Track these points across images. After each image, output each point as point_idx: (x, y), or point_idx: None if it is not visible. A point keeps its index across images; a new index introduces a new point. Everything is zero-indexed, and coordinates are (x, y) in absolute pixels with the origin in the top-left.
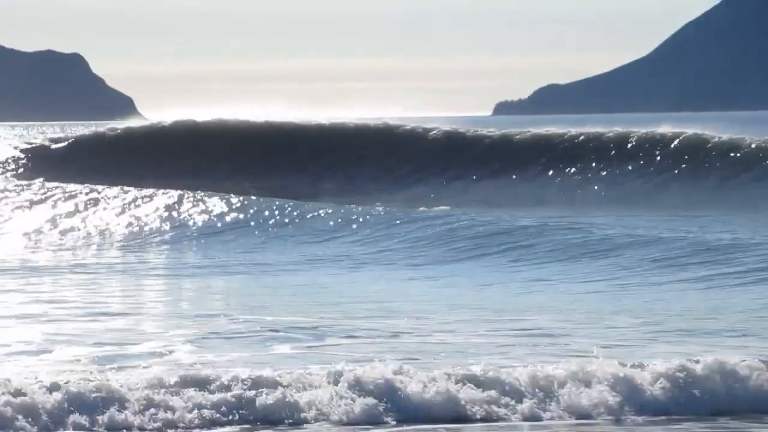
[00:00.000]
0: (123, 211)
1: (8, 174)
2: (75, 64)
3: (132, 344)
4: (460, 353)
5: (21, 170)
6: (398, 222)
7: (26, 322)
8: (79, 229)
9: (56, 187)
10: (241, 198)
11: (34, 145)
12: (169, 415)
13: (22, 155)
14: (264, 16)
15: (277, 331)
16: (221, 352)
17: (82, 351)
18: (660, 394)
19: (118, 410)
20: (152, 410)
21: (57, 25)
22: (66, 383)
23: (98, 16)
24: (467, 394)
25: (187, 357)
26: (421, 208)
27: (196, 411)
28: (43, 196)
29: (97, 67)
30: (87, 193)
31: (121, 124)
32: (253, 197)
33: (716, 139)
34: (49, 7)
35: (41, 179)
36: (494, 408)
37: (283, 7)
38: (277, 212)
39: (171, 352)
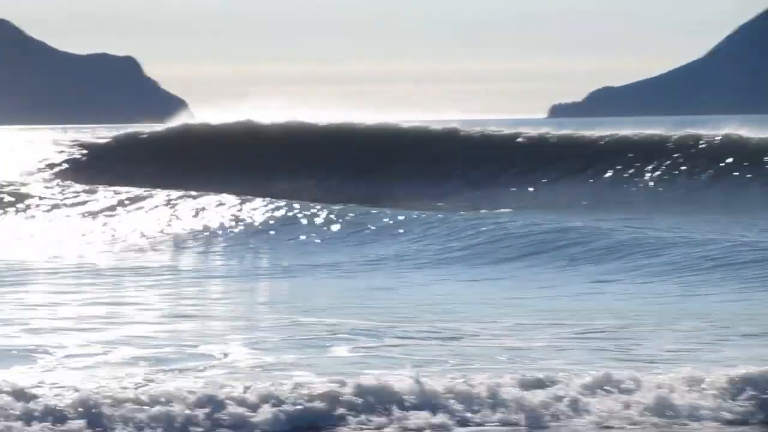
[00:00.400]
0: (179, 214)
1: (58, 176)
2: (128, 66)
3: (190, 346)
4: (520, 357)
5: (72, 172)
6: (456, 224)
7: (85, 323)
8: (134, 232)
9: (108, 189)
10: (299, 202)
11: (83, 147)
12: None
13: (73, 156)
14: (319, 19)
15: (336, 333)
16: (279, 354)
17: (139, 353)
18: (742, 400)
19: (175, 416)
20: (216, 416)
21: (110, 28)
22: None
23: (151, 19)
24: (529, 397)
25: (245, 359)
26: (482, 211)
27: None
28: (97, 198)
29: (150, 70)
30: (139, 194)
31: (168, 125)
32: (310, 202)
33: (759, 139)
34: (101, 11)
35: (92, 181)
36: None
37: (337, 9)
38: (333, 215)
39: (228, 354)
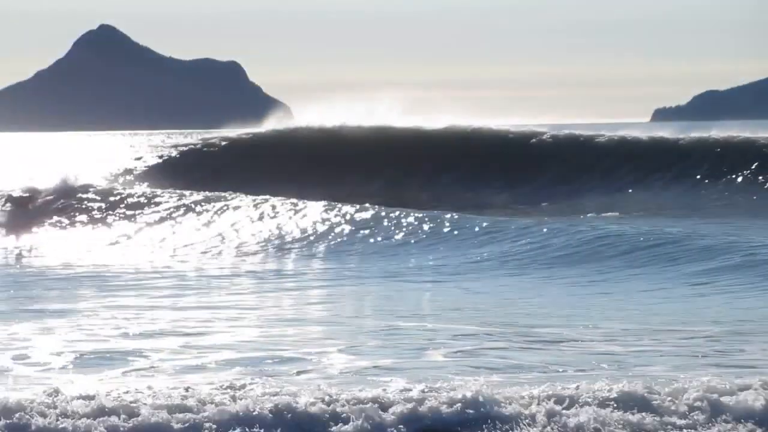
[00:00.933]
0: (277, 219)
1: (154, 180)
2: (232, 72)
3: (285, 350)
4: (617, 363)
5: (164, 176)
6: (553, 229)
7: (186, 327)
8: (227, 236)
9: (199, 194)
10: (394, 208)
11: (175, 151)
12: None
13: (166, 160)
14: (423, 23)
15: (433, 339)
16: (374, 358)
17: (234, 356)
18: None
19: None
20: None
21: (215, 33)
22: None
23: (256, 24)
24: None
25: (339, 364)
26: (589, 214)
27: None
28: (200, 204)
29: (254, 75)
30: (230, 198)
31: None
32: (410, 209)
33: None
34: (207, 16)
35: (192, 186)
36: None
37: (435, 15)
38: (433, 222)
39: (324, 359)
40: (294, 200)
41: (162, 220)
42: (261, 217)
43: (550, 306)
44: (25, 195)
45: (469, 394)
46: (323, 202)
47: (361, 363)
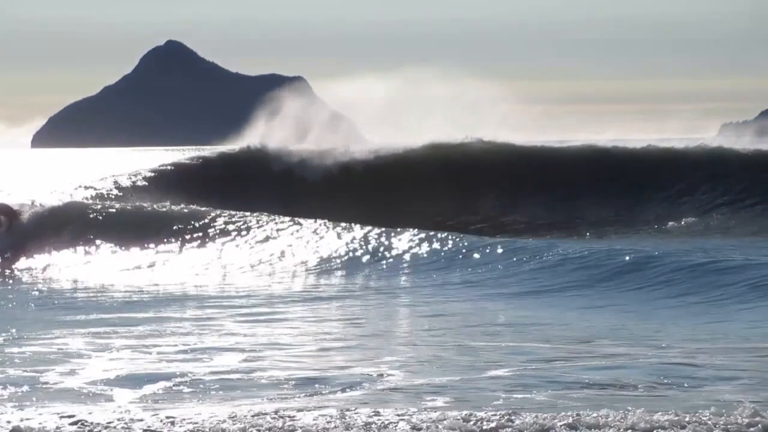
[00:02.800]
0: (346, 241)
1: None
2: (298, 87)
3: (345, 369)
4: (689, 380)
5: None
6: (624, 250)
7: (245, 347)
8: (282, 257)
9: (260, 218)
10: (462, 234)
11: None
12: None
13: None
14: (496, 37)
15: (499, 357)
16: (433, 376)
17: (283, 375)
18: None
19: None
20: None
21: (281, 48)
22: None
23: (322, 39)
24: None
25: (396, 381)
26: (670, 223)
27: None
28: (259, 228)
29: (320, 90)
30: (290, 225)
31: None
32: (475, 236)
33: None
34: (274, 32)
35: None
36: None
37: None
38: (505, 245)
39: (382, 375)
40: (386, 228)
41: (226, 243)
42: (339, 236)
43: (620, 323)
44: (14, 209)
45: None
46: (383, 228)
47: (416, 381)
